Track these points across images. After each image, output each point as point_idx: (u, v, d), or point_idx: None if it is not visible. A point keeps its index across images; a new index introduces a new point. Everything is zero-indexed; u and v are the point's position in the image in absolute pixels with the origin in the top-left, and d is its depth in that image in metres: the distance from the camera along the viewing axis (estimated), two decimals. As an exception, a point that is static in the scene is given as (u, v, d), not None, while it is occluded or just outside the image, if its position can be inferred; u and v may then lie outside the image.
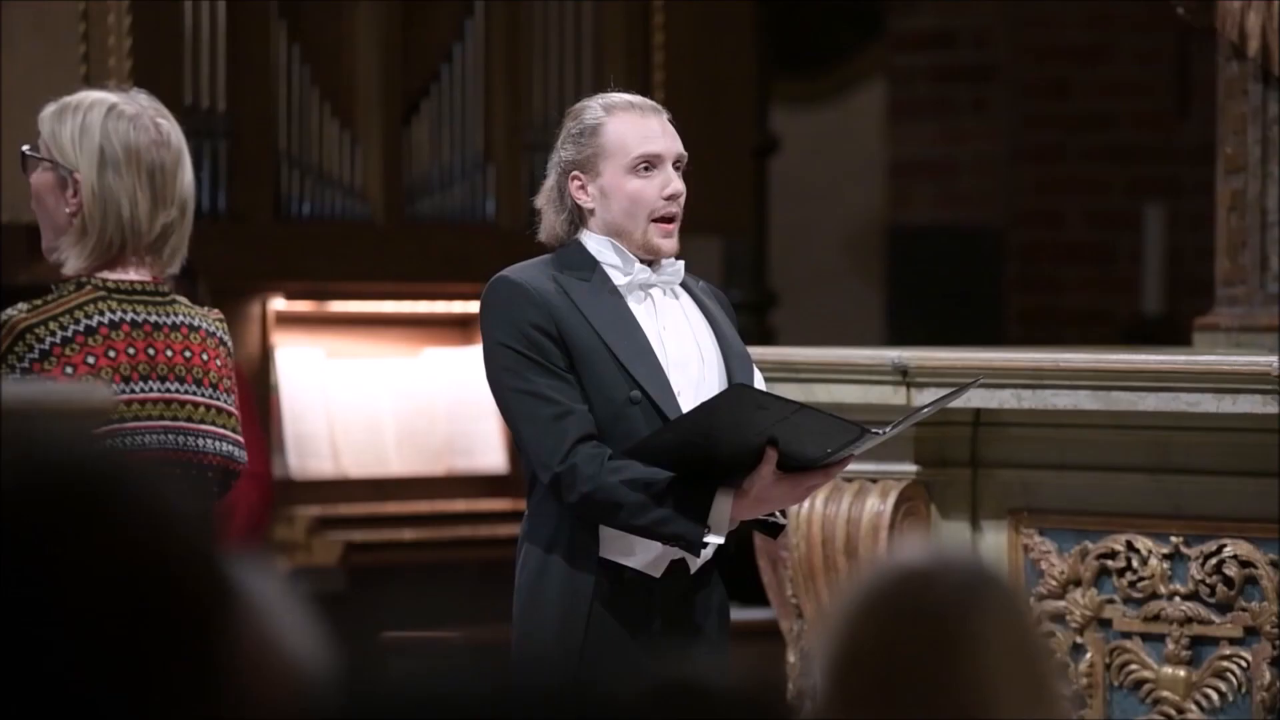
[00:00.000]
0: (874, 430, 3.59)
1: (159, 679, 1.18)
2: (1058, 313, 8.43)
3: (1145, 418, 4.22)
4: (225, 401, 3.60)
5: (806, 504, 4.40)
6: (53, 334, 3.46)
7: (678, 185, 3.73)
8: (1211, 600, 4.24)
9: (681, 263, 3.77)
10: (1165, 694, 4.28)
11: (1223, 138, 4.96)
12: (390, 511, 6.34)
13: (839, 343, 4.87)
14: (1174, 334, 7.15)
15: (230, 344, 3.66)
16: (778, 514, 3.71)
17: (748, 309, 8.24)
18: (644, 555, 3.65)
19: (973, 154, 8.56)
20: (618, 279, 3.70)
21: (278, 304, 6.37)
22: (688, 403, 3.63)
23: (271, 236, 6.32)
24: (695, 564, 3.69)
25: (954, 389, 3.99)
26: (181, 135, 3.60)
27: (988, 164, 8.55)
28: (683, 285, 3.79)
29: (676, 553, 3.66)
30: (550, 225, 3.74)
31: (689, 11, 6.90)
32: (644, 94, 6.92)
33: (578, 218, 3.73)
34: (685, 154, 3.78)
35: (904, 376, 4.33)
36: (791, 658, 4.52)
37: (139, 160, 3.53)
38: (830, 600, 4.30)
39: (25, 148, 3.64)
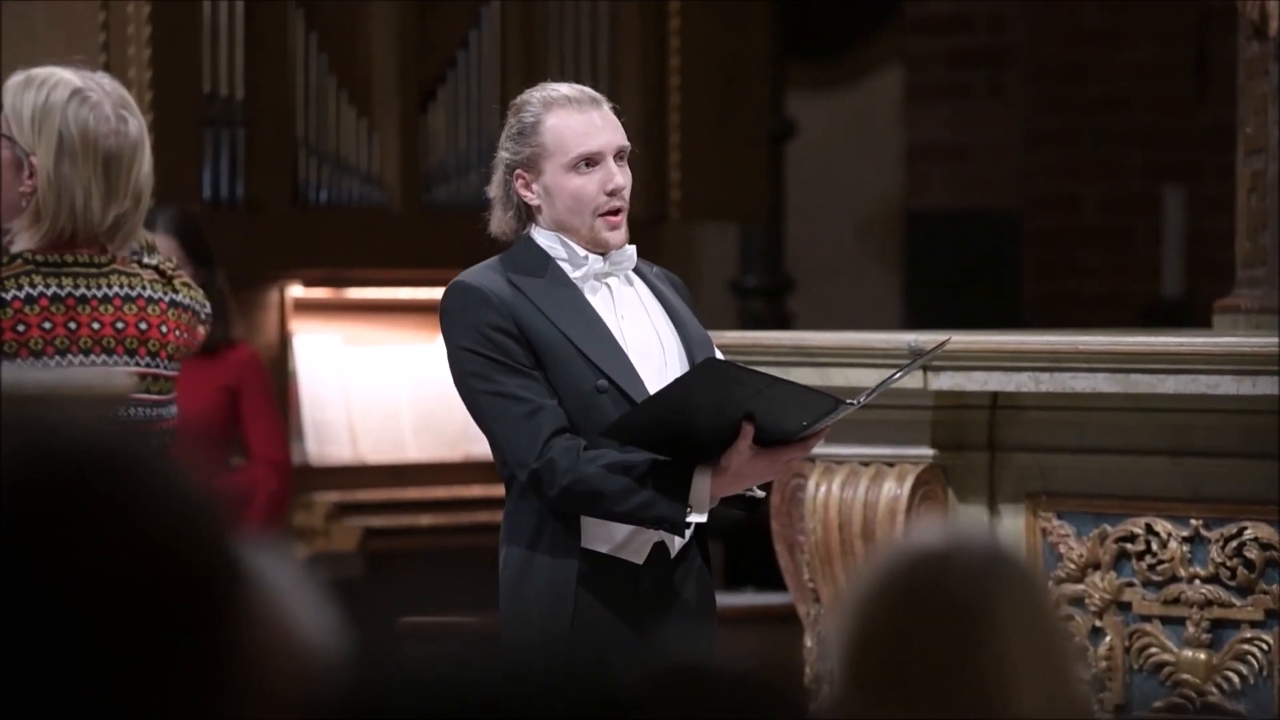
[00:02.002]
0: (848, 401, 3.61)
1: (170, 665, 1.18)
2: (1076, 296, 8.41)
3: (1164, 400, 4.21)
4: (163, 367, 3.56)
5: (823, 487, 4.40)
6: None
7: (619, 180, 3.73)
8: (1232, 583, 4.23)
9: (633, 248, 3.77)
10: (1185, 677, 4.27)
11: (1243, 119, 4.94)
12: (408, 497, 6.34)
13: (855, 327, 4.86)
14: (1194, 317, 7.14)
15: (188, 300, 3.60)
16: (755, 488, 3.71)
17: (764, 294, 8.23)
18: (625, 541, 3.66)
19: (990, 138, 8.54)
20: (571, 272, 3.71)
21: (295, 291, 6.37)
22: (653, 389, 3.64)
23: (289, 224, 6.33)
24: (675, 547, 3.70)
25: (925, 355, 4.00)
26: (142, 125, 3.57)
27: (1005, 148, 8.53)
28: (637, 272, 3.79)
29: (657, 537, 3.68)
30: (499, 220, 3.76)
31: (705, -3, 6.89)
32: (660, 80, 6.93)
33: (525, 214, 3.74)
34: (628, 145, 3.76)
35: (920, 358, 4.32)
36: (809, 642, 4.51)
37: (96, 149, 3.51)
38: (847, 584, 4.30)
39: None
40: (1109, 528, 4.34)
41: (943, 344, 4.08)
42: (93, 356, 3.50)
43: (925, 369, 4.33)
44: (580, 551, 3.66)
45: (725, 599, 4.73)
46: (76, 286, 3.51)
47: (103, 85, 3.56)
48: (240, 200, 6.22)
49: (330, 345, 6.41)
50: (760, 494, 3.76)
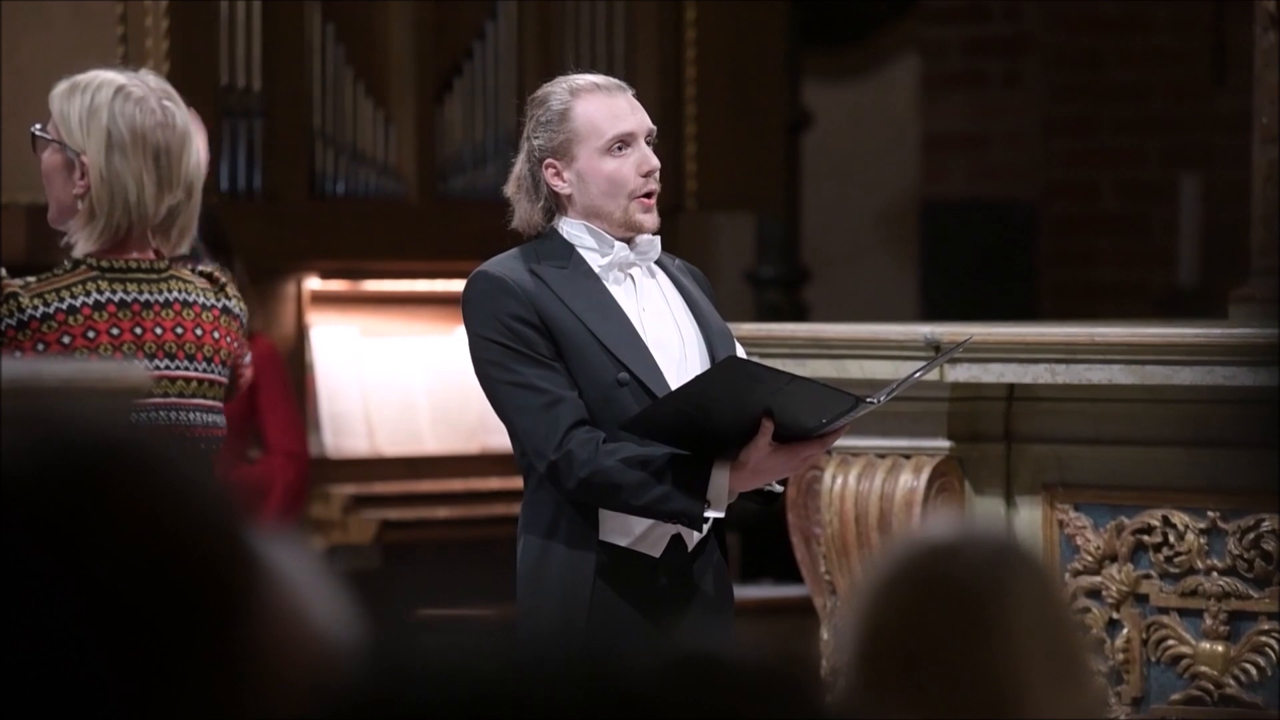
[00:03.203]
0: (868, 399, 3.61)
1: (185, 657, 1.18)
2: (1092, 286, 8.40)
3: (1181, 391, 4.20)
4: (217, 373, 3.63)
5: (839, 480, 4.40)
6: (34, 307, 3.50)
7: (653, 161, 3.74)
8: (1249, 575, 4.22)
9: (657, 239, 3.77)
10: (1203, 669, 4.26)
11: (1259, 107, 4.93)
12: (425, 490, 6.35)
13: (872, 318, 4.86)
14: (1210, 306, 7.12)
15: (238, 309, 3.69)
16: (773, 483, 3.71)
17: (781, 285, 8.23)
18: (642, 534, 3.66)
19: (1006, 127, 8.53)
20: (596, 261, 3.71)
21: (312, 283, 6.38)
22: (673, 382, 3.65)
23: (306, 215, 6.33)
24: (693, 541, 3.70)
25: (945, 352, 4.00)
26: (188, 116, 3.62)
27: (1021, 137, 8.52)
28: (659, 264, 3.79)
29: (675, 530, 3.68)
30: (525, 214, 3.75)
31: (721, -13, 6.89)
32: (676, 70, 6.93)
33: (554, 204, 3.74)
34: (655, 128, 3.78)
35: (937, 352, 4.32)
36: (825, 634, 4.52)
37: (145, 142, 3.55)
38: (863, 577, 4.30)
39: (35, 127, 3.67)
40: (1126, 519, 4.34)
41: (964, 342, 4.07)
42: (156, 361, 3.56)
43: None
44: (598, 543, 3.66)
45: (742, 591, 4.73)
46: (141, 292, 3.57)
47: (147, 81, 3.61)
48: (257, 192, 6.23)
49: (347, 337, 6.42)
50: (778, 488, 3.76)
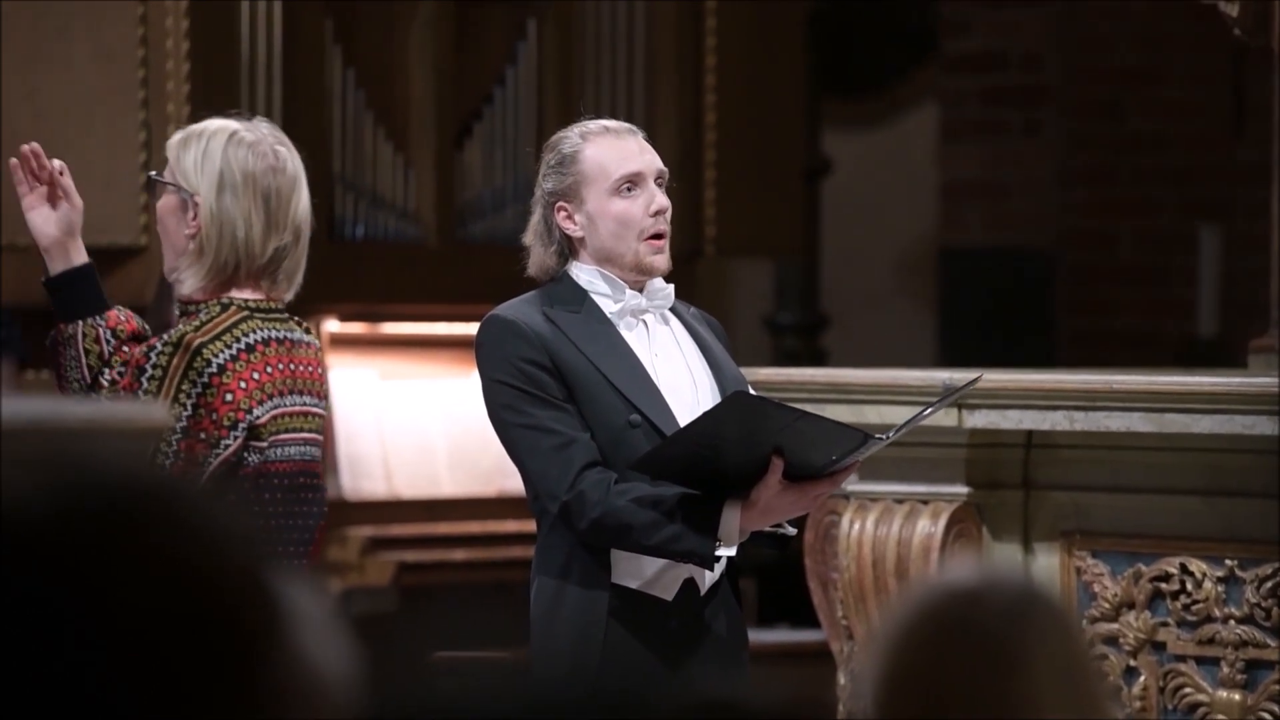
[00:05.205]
0: (877, 436, 3.61)
1: (205, 698, 1.18)
2: (1111, 336, 8.40)
3: (1199, 440, 4.20)
4: (328, 411, 3.80)
5: (857, 525, 4.39)
6: (222, 351, 3.60)
7: (662, 200, 3.75)
8: (1266, 624, 4.21)
9: (671, 287, 3.79)
10: (1220, 718, 4.25)
11: (1279, 159, 4.93)
12: (442, 532, 6.35)
13: (890, 364, 4.86)
14: (1229, 357, 7.12)
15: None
16: (785, 525, 3.71)
17: (799, 331, 8.23)
18: (654, 577, 3.67)
19: (1025, 176, 8.53)
20: (609, 307, 3.73)
21: (331, 326, 6.39)
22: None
23: (325, 258, 6.32)
24: (705, 584, 3.70)
25: (955, 391, 4.00)
26: (299, 162, 3.73)
27: (1040, 186, 8.53)
28: (674, 312, 3.80)
29: (687, 573, 3.68)
30: (539, 259, 3.77)
31: (740, 35, 6.91)
32: (696, 116, 6.95)
33: (567, 249, 3.76)
34: (666, 170, 3.80)
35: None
36: (842, 679, 4.51)
37: (255, 185, 3.66)
38: (880, 622, 4.29)
39: (152, 173, 3.82)
40: (1143, 567, 4.33)
41: (974, 381, 4.08)
42: (304, 398, 3.69)
43: (960, 407, 4.33)
44: (611, 586, 3.67)
45: (758, 635, 4.73)
46: (282, 330, 3.69)
47: (259, 127, 3.72)
48: (277, 235, 6.25)
49: (366, 380, 6.43)
50: (791, 531, 3.76)
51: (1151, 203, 8.38)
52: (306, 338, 3.74)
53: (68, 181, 3.71)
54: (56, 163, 3.72)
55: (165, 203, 3.71)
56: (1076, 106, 8.47)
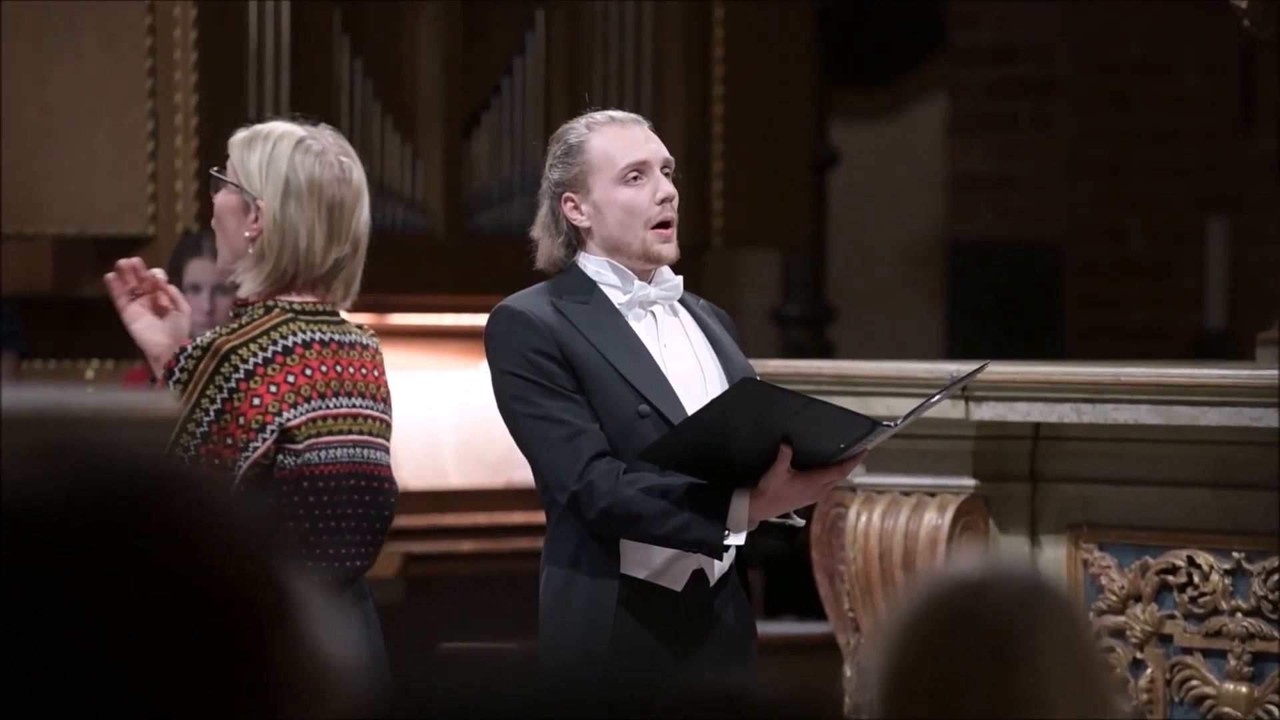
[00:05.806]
0: (885, 423, 3.61)
1: (216, 688, 1.18)
2: (1119, 328, 8.39)
3: (1207, 432, 4.20)
4: (388, 414, 3.76)
5: (864, 517, 4.39)
6: (254, 355, 3.58)
7: (668, 189, 3.75)
8: (1273, 616, 4.21)
9: (679, 278, 3.79)
10: (1227, 710, 4.25)
11: (1285, 152, 4.93)
12: (449, 523, 6.35)
13: (897, 357, 4.86)
14: (1237, 349, 7.11)
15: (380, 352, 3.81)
16: (793, 516, 3.71)
17: (806, 323, 8.23)
18: (663, 567, 3.67)
19: (1033, 168, 8.53)
20: (617, 298, 3.73)
21: (338, 317, 6.39)
22: None
23: (332, 249, 6.34)
24: (715, 574, 3.70)
25: (960, 379, 4.00)
26: (363, 174, 3.71)
27: (1048, 178, 8.52)
28: (683, 303, 3.80)
29: (696, 563, 3.68)
30: (547, 251, 3.78)
31: (748, 27, 6.91)
32: (704, 108, 6.94)
33: (574, 239, 3.76)
34: (672, 159, 3.80)
35: (962, 391, 4.31)
36: (848, 671, 4.51)
37: (321, 194, 3.64)
38: (887, 614, 4.30)
39: (214, 170, 3.76)
40: (1150, 560, 4.33)
41: (979, 369, 4.07)
42: (354, 399, 3.67)
43: (967, 399, 4.33)
44: (620, 576, 3.67)
45: (765, 627, 4.73)
46: (332, 333, 3.68)
47: (325, 136, 3.70)
48: (285, 226, 6.25)
49: (373, 371, 6.43)
50: (799, 522, 3.76)
51: (1160, 196, 8.37)
52: (362, 339, 3.72)
53: (174, 290, 3.69)
54: (158, 272, 3.70)
55: (225, 201, 3.68)
56: (1085, 99, 8.46)
